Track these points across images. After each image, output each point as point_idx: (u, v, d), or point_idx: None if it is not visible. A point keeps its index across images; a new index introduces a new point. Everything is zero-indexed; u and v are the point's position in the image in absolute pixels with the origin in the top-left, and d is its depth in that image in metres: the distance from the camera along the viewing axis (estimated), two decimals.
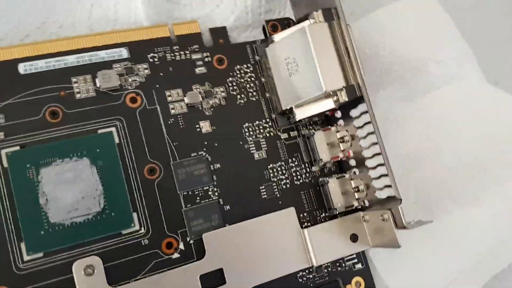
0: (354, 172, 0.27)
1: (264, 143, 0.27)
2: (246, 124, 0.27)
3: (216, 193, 0.25)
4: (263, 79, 0.28)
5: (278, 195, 0.27)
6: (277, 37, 0.27)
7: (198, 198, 0.25)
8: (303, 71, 0.25)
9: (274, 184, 0.27)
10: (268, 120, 0.27)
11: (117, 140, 0.24)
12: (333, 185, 0.27)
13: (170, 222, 0.24)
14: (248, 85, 0.27)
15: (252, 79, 0.28)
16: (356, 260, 0.27)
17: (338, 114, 0.27)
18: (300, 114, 0.26)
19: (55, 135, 0.24)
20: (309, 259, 0.25)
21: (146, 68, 0.26)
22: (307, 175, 0.27)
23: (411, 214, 0.26)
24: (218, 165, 0.26)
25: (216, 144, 0.26)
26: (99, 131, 0.24)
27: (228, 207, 0.25)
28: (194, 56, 0.27)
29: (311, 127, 0.28)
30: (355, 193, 0.26)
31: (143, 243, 0.24)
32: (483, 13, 0.36)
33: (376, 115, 0.24)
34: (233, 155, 0.26)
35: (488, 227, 0.27)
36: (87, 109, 0.24)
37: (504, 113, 0.30)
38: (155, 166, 0.25)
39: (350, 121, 0.26)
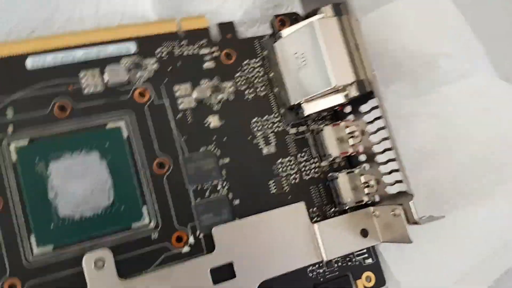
0: (364, 167, 0.26)
1: (273, 138, 0.27)
2: (255, 119, 0.27)
3: (226, 188, 0.25)
4: (271, 74, 0.28)
5: (287, 190, 0.26)
6: (285, 32, 0.26)
7: (207, 192, 0.25)
8: (312, 66, 0.25)
9: (283, 179, 0.26)
10: (276, 115, 0.27)
11: (125, 135, 0.24)
12: (343, 180, 0.26)
13: (180, 216, 0.24)
14: (256, 80, 0.27)
15: (260, 74, 0.27)
16: (366, 255, 0.27)
17: (348, 109, 0.27)
18: (309, 109, 0.26)
19: (63, 129, 0.23)
20: (319, 253, 0.25)
21: (154, 63, 0.26)
22: (316, 170, 0.27)
23: (421, 210, 0.25)
24: (227, 160, 0.26)
25: (224, 139, 0.26)
26: (108, 126, 0.24)
27: (237, 201, 0.25)
28: (202, 51, 0.27)
29: (320, 122, 0.28)
30: (365, 188, 0.26)
31: (152, 237, 0.24)
32: (494, 8, 0.36)
33: None
34: (242, 150, 0.26)
35: (501, 223, 0.27)
36: (95, 104, 0.24)
37: None
38: (164, 161, 0.25)
39: (359, 116, 0.26)
